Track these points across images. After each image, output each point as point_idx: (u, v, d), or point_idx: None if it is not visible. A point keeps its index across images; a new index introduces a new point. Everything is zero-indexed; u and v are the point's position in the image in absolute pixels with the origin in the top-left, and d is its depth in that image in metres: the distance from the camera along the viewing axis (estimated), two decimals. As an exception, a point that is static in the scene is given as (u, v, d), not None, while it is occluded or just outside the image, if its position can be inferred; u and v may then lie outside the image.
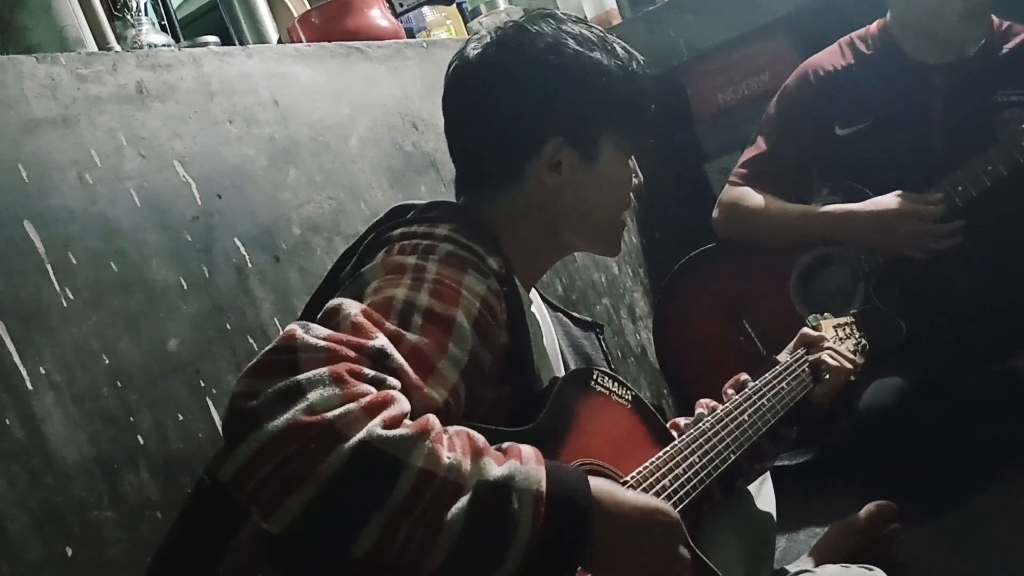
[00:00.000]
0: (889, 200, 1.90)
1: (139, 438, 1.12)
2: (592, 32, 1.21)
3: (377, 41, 1.85)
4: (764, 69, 2.60)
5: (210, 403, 1.22)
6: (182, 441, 1.17)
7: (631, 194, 1.27)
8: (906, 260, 1.93)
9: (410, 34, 2.29)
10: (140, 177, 1.25)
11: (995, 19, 1.97)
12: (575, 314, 1.41)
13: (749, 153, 2.13)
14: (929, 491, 1.70)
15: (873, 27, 2.05)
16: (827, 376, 1.41)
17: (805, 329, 1.48)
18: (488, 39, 1.21)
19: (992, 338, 1.88)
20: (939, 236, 1.86)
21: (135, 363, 1.15)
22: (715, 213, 2.15)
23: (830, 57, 2.06)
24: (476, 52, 1.20)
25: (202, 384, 1.22)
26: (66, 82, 1.21)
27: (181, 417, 1.18)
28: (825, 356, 1.42)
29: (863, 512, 1.58)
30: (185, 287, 1.25)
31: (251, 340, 1.32)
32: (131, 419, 1.12)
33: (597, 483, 0.91)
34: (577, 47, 1.18)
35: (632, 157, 1.27)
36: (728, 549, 1.34)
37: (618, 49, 1.22)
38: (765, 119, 2.13)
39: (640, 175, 1.28)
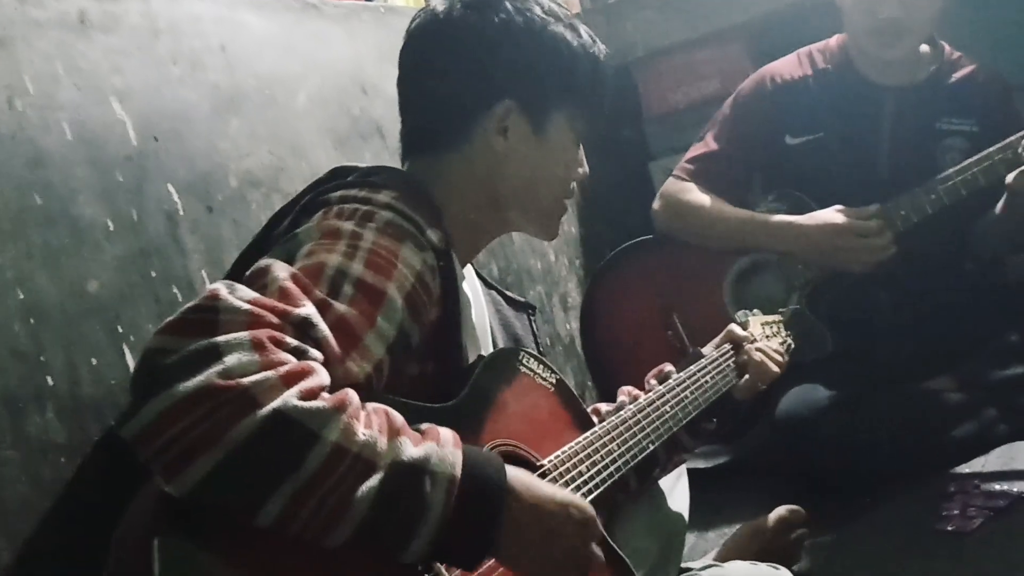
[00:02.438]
0: (827, 215, 1.93)
1: (48, 379, 1.07)
2: (561, 10, 1.21)
3: (334, 0, 1.82)
4: (716, 74, 2.63)
5: (127, 350, 1.18)
6: (94, 386, 1.13)
7: (574, 183, 1.27)
8: (838, 276, 1.97)
9: (368, -1, 2.25)
10: (74, 109, 1.20)
11: (947, 48, 2.02)
12: (509, 293, 1.40)
13: (697, 150, 2.15)
14: (837, 500, 1.74)
15: (833, 42, 2.08)
16: (749, 374, 1.43)
17: (733, 326, 1.49)
18: None
19: (913, 359, 1.93)
20: (873, 250, 1.89)
21: (51, 301, 1.10)
22: (656, 204, 2.16)
23: (788, 66, 2.09)
24: (442, 7, 1.19)
25: (120, 330, 1.18)
26: (5, 2, 1.15)
27: (95, 361, 1.14)
28: (752, 353, 1.44)
29: (772, 515, 1.61)
30: (111, 228, 1.21)
31: (175, 290, 1.28)
32: (41, 358, 1.07)
33: (513, 472, 0.90)
34: (544, 16, 1.17)
35: (580, 147, 1.26)
36: (638, 542, 1.35)
37: (583, 32, 1.21)
38: (717, 118, 2.15)
39: (586, 167, 1.28)
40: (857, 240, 1.90)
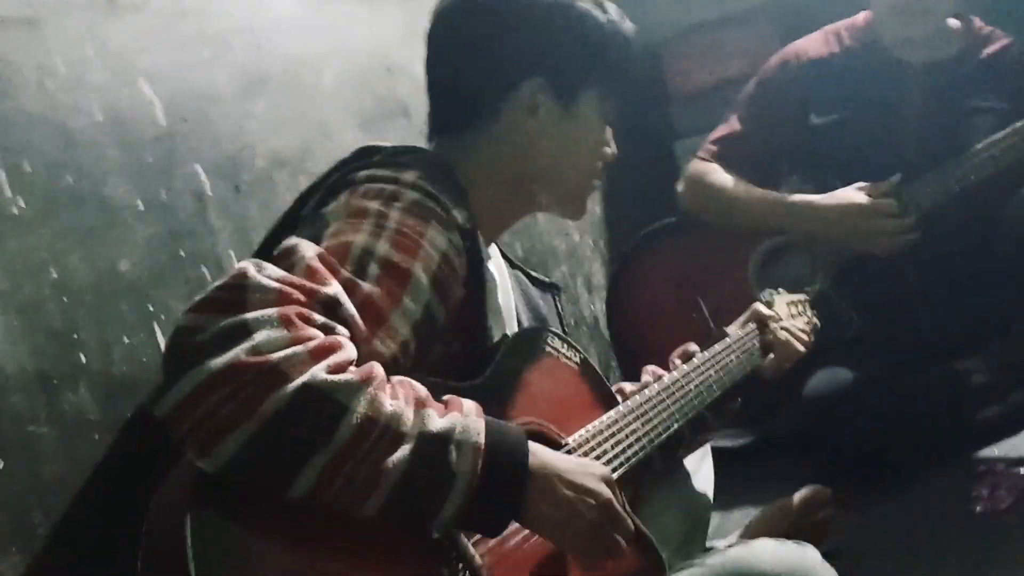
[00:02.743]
0: (847, 194, 1.91)
1: (82, 356, 1.09)
2: None
3: (360, -20, 1.82)
4: (744, 54, 2.60)
5: (157, 329, 1.20)
6: (126, 364, 1.14)
7: (602, 163, 1.26)
8: (864, 258, 1.95)
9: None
10: (104, 90, 1.21)
11: (978, 22, 1.99)
12: (534, 273, 1.40)
13: (721, 131, 2.13)
14: (864, 481, 1.73)
15: (859, 19, 2.06)
16: (774, 353, 1.42)
17: (757, 305, 1.49)
18: None
19: (939, 340, 1.91)
20: (893, 232, 1.87)
21: (84, 280, 1.12)
22: (680, 186, 2.14)
23: (814, 44, 2.06)
24: None
25: (151, 308, 1.20)
26: (35, -17, 1.17)
27: (127, 340, 1.15)
28: (778, 332, 1.43)
29: (797, 496, 1.60)
30: (141, 208, 1.22)
31: (204, 269, 1.29)
32: (75, 336, 1.09)
33: (533, 443, 0.92)
34: None
35: (608, 128, 1.26)
36: (663, 521, 1.35)
37: (611, 10, 1.21)
38: (742, 98, 2.13)
39: (614, 147, 1.28)
40: (876, 221, 1.87)
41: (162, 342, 1.18)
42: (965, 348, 1.89)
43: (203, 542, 0.76)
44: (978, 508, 1.52)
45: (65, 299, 1.09)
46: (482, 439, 0.85)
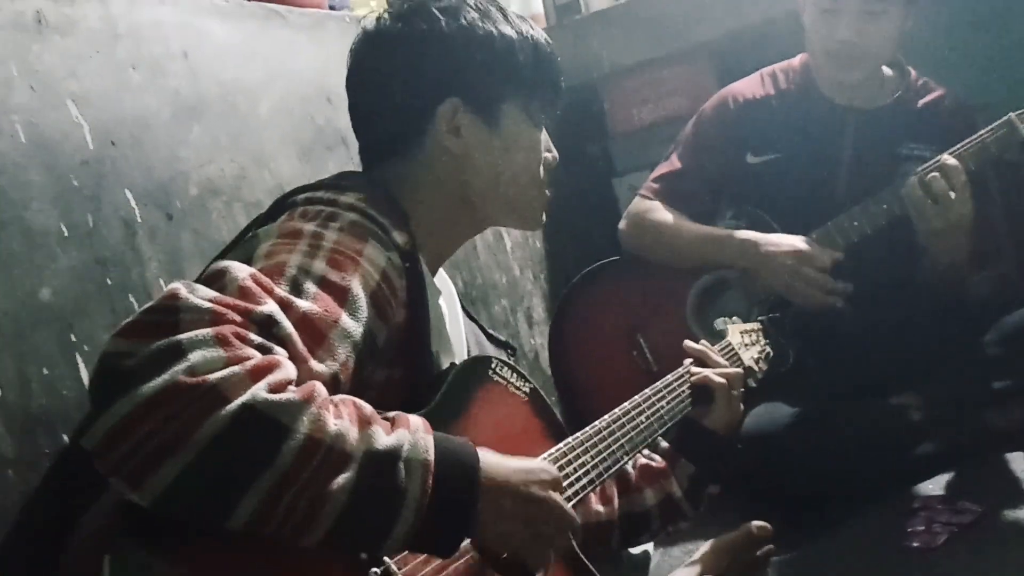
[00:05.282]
0: (787, 240, 1.93)
1: (-2, 389, 1.04)
2: (495, 5, 1.21)
3: (299, 8, 1.79)
4: (682, 92, 2.64)
5: (80, 361, 1.14)
6: (45, 397, 1.09)
7: (543, 168, 1.25)
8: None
9: (332, 9, 2.23)
10: (29, 112, 1.16)
11: (914, 73, 2.04)
12: (491, 331, 1.40)
13: (662, 169, 2.15)
14: (803, 517, 1.73)
15: (796, 61, 2.09)
16: (716, 398, 1.41)
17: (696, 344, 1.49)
18: (387, 12, 1.20)
19: (875, 375, 1.93)
20: (825, 288, 1.89)
21: (2, 309, 1.07)
22: (622, 224, 2.15)
23: (750, 85, 2.10)
24: (373, 24, 1.20)
25: (73, 339, 1.14)
26: (-43, 0, 1.12)
27: (47, 372, 1.10)
28: (713, 378, 1.42)
29: (740, 531, 1.60)
30: (66, 234, 1.17)
31: (132, 299, 1.24)
32: (-9, 368, 1.04)
33: (483, 451, 0.91)
34: (475, 14, 1.17)
35: (544, 131, 1.26)
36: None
37: (518, 21, 1.21)
38: (681, 138, 2.15)
39: (554, 150, 1.27)
40: (810, 273, 1.89)
41: (85, 374, 1.13)
42: (900, 383, 1.91)
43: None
44: (914, 544, 1.52)
45: (-19, 328, 1.03)
46: (431, 456, 0.83)
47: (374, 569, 0.87)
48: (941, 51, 2.26)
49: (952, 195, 1.76)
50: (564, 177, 1.31)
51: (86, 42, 1.28)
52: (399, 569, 0.89)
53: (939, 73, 2.07)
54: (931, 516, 1.58)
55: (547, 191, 1.26)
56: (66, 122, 1.22)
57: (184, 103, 1.42)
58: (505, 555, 0.94)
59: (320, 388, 0.81)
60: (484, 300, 2.13)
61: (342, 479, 0.77)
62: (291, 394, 0.76)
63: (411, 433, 0.84)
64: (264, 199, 1.50)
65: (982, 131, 1.83)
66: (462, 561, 0.97)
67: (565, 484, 1.08)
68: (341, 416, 0.80)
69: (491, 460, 0.91)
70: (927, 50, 2.13)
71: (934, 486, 1.72)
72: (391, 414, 0.87)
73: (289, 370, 0.79)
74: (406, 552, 0.88)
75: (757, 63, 2.16)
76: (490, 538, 0.91)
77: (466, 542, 0.92)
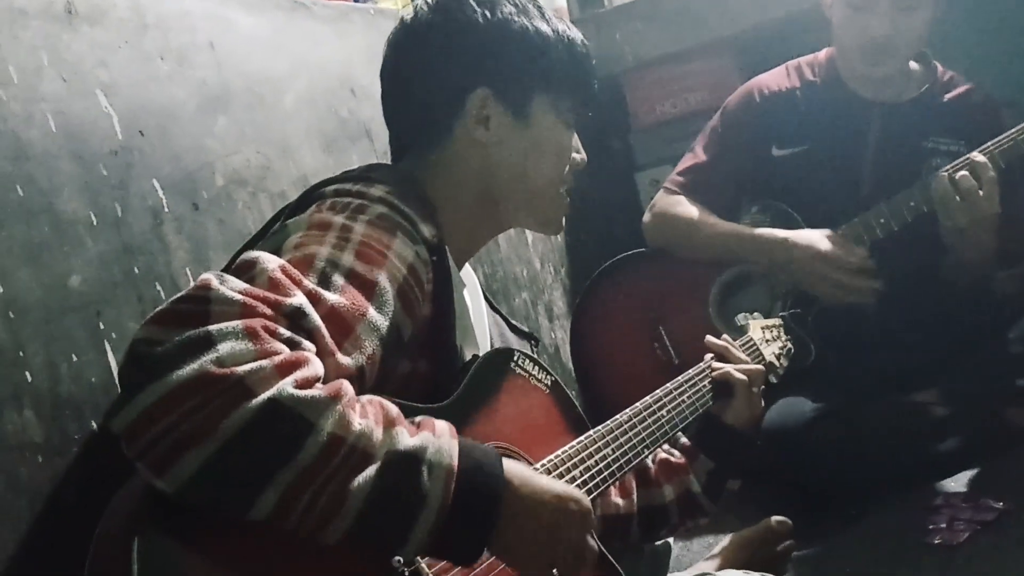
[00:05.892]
0: (816, 237, 1.91)
1: (27, 375, 1.05)
2: (533, 3, 1.21)
3: (324, 0, 1.80)
4: (705, 86, 2.63)
5: (108, 347, 1.15)
6: (73, 384, 1.10)
7: (569, 168, 1.25)
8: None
9: (357, 1, 2.24)
10: (58, 101, 1.17)
11: (940, 68, 2.02)
12: (513, 322, 1.40)
13: (687, 162, 2.15)
14: (824, 512, 1.73)
15: (822, 54, 2.09)
16: (736, 395, 1.41)
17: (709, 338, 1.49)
18: (426, 2, 1.20)
19: (897, 372, 1.93)
20: (852, 288, 1.88)
21: (32, 295, 1.08)
22: (646, 217, 2.15)
23: (776, 78, 2.09)
24: (411, 15, 1.21)
25: (102, 327, 1.15)
26: (-11, -9, 1.13)
27: (75, 358, 1.11)
28: (733, 374, 1.41)
29: (760, 526, 1.60)
30: (95, 223, 1.18)
31: (159, 287, 1.25)
32: (20, 354, 1.04)
33: (510, 464, 0.89)
34: (512, 8, 1.18)
35: (574, 132, 1.26)
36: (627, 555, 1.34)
37: (555, 20, 1.22)
38: (707, 131, 2.15)
39: (583, 152, 1.27)
40: (839, 272, 1.88)
41: (113, 361, 1.14)
42: (923, 379, 1.90)
43: (150, 568, 0.73)
44: (935, 540, 1.52)
45: (11, 314, 1.04)
46: (455, 461, 0.83)
47: (397, 559, 0.85)
48: (969, 47, 2.24)
49: (980, 192, 1.75)
50: (585, 171, 1.31)
51: (115, 32, 1.29)
52: (429, 569, 0.89)
53: (967, 69, 2.06)
54: (953, 513, 1.58)
55: (567, 195, 1.26)
56: (95, 112, 1.22)
57: (210, 93, 1.42)
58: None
59: (347, 387, 0.81)
60: (505, 293, 2.13)
61: (363, 478, 0.77)
62: (317, 391, 0.77)
63: (436, 437, 0.84)
64: (288, 190, 1.50)
65: (1012, 129, 1.82)
66: (486, 564, 0.96)
67: (587, 476, 1.08)
68: (366, 416, 0.80)
69: (518, 473, 0.89)
70: (955, 46, 2.11)
71: (956, 483, 1.71)
72: (418, 418, 0.87)
73: (316, 367, 0.80)
74: None
75: (780, 58, 2.15)
76: (507, 553, 0.89)
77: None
